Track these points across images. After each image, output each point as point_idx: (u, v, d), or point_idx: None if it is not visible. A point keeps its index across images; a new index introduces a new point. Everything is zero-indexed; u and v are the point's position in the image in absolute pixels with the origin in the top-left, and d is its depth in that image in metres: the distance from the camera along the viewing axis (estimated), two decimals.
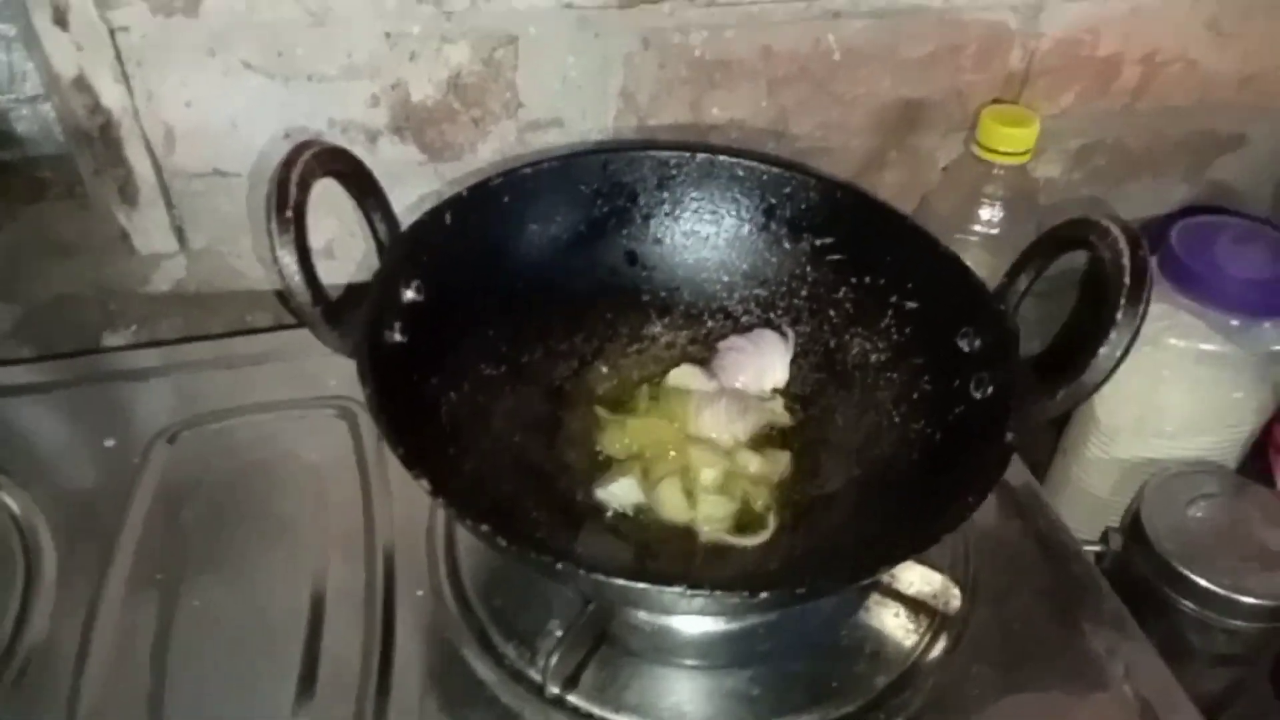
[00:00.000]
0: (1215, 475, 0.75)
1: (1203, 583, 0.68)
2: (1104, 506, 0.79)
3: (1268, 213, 0.93)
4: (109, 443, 0.66)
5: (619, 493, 0.59)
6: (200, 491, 0.63)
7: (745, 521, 0.59)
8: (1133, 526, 0.72)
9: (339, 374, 0.70)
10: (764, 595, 0.43)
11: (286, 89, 0.70)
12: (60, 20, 0.65)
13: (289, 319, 0.82)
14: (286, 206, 0.48)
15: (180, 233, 0.76)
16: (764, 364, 0.66)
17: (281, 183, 0.48)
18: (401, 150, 0.75)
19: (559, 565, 0.43)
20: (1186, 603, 0.69)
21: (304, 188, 0.49)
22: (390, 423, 0.47)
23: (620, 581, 0.43)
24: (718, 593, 0.42)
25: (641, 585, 0.43)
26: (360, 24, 0.69)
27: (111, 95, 0.68)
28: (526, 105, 0.75)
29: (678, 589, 0.42)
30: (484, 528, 0.44)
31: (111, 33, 0.66)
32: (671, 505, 0.59)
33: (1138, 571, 0.70)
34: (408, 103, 0.73)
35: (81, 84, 0.68)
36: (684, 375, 0.66)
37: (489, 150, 0.77)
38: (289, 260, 0.48)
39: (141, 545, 0.60)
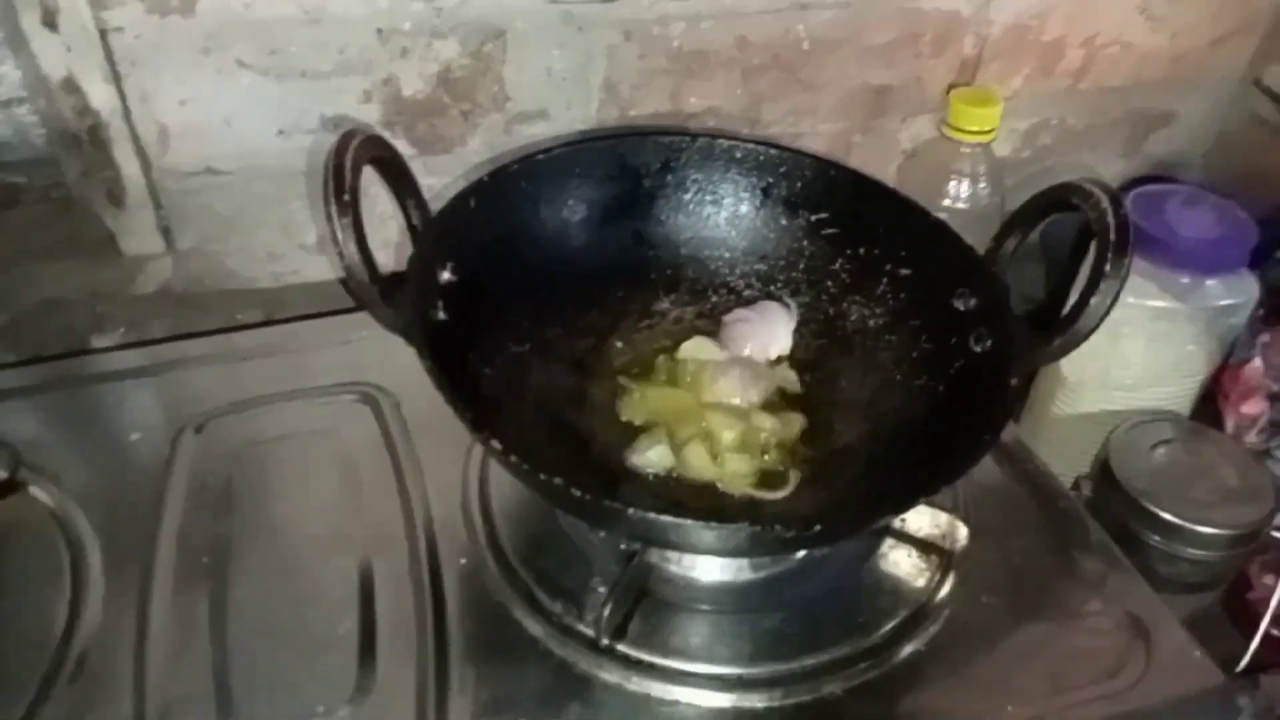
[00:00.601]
0: (1173, 423, 0.81)
1: (1168, 517, 0.74)
2: (1070, 460, 0.83)
3: (1200, 183, 1.00)
4: (134, 436, 0.67)
5: (654, 459, 0.62)
6: (234, 477, 0.64)
7: (768, 479, 0.63)
8: (1102, 472, 0.78)
9: (356, 361, 0.72)
10: (818, 528, 0.47)
11: (280, 86, 0.71)
12: (49, 22, 0.65)
13: (279, 315, 0.82)
14: (344, 190, 0.50)
15: (167, 233, 0.77)
16: (769, 333, 0.70)
17: (337, 168, 0.50)
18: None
19: (631, 512, 0.46)
20: (1155, 537, 0.74)
21: (356, 172, 0.51)
22: (454, 391, 0.50)
23: (689, 522, 0.46)
24: (778, 528, 0.46)
25: (711, 524, 0.46)
26: (353, 21, 0.70)
27: (100, 96, 0.68)
28: (514, 98, 0.77)
29: (744, 524, 0.46)
30: (557, 481, 0.47)
31: (103, 33, 0.66)
32: (699, 465, 0.62)
33: (1109, 512, 0.75)
34: (399, 98, 0.75)
35: (70, 85, 0.68)
36: (696, 347, 0.70)
37: (478, 142, 0.79)
38: (349, 242, 0.50)
39: (183, 532, 0.61)
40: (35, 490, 0.63)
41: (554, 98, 0.78)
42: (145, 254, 0.78)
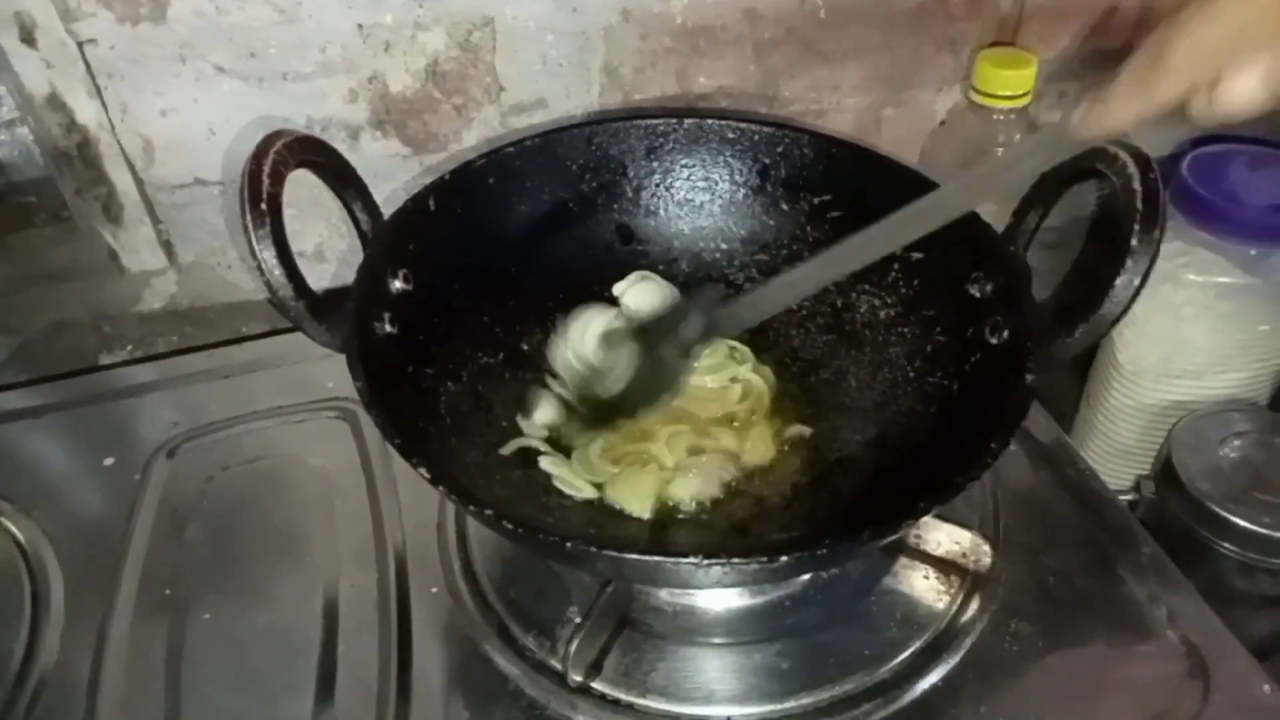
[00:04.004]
0: (1246, 413, 0.73)
1: (1242, 524, 0.66)
2: (1133, 455, 0.77)
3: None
4: (108, 461, 0.65)
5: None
6: (204, 504, 0.62)
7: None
8: (1164, 472, 0.70)
9: (337, 376, 0.69)
10: (784, 559, 0.41)
11: (261, 90, 0.69)
12: (28, 38, 0.64)
13: (283, 324, 0.80)
14: (260, 199, 0.46)
15: (169, 247, 0.75)
16: None
17: (253, 175, 0.46)
18: (384, 145, 0.74)
19: (568, 545, 0.41)
20: (1227, 545, 0.67)
21: (277, 179, 0.47)
22: (385, 414, 0.46)
23: (633, 556, 0.41)
24: (735, 560, 0.41)
25: (655, 559, 0.41)
26: (331, 18, 0.67)
27: (86, 111, 0.67)
28: (508, 89, 0.73)
29: (693, 560, 0.40)
30: (488, 512, 0.42)
31: (80, 46, 0.65)
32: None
33: (1173, 518, 0.68)
34: (387, 95, 0.72)
35: (55, 102, 0.66)
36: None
37: (473, 138, 0.75)
38: (268, 255, 0.47)
39: (148, 562, 0.59)
40: (5, 521, 0.61)
41: (551, 86, 0.74)
42: (148, 270, 0.76)
